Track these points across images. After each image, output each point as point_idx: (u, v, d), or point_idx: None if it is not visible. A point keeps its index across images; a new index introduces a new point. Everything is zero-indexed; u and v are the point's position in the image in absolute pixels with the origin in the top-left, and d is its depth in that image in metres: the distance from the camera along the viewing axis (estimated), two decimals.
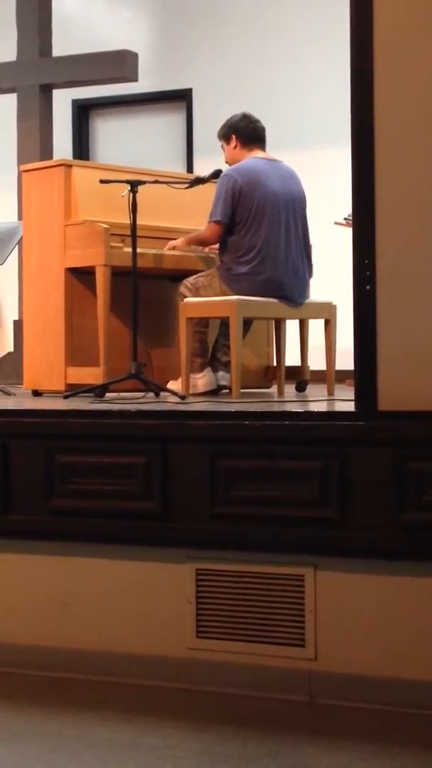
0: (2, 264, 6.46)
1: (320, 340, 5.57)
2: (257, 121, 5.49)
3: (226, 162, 5.53)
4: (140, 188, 5.13)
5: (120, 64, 8.25)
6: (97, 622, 3.79)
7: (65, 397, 5.07)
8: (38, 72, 8.46)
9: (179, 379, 5.35)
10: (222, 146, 5.55)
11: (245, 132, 5.46)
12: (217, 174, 5.39)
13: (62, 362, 5.48)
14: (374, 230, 3.53)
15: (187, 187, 5.50)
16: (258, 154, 5.44)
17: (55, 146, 8.58)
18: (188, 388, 5.21)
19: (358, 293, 3.57)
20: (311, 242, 5.52)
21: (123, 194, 5.12)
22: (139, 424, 3.82)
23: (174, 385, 5.39)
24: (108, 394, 5.08)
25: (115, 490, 3.75)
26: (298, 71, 8.64)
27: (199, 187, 5.52)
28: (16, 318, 8.16)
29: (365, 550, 3.47)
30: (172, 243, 5.55)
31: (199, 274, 5.45)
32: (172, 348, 5.74)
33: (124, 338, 5.31)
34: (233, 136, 5.47)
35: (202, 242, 5.49)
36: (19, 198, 7.33)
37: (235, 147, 5.47)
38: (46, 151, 8.39)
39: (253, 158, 5.40)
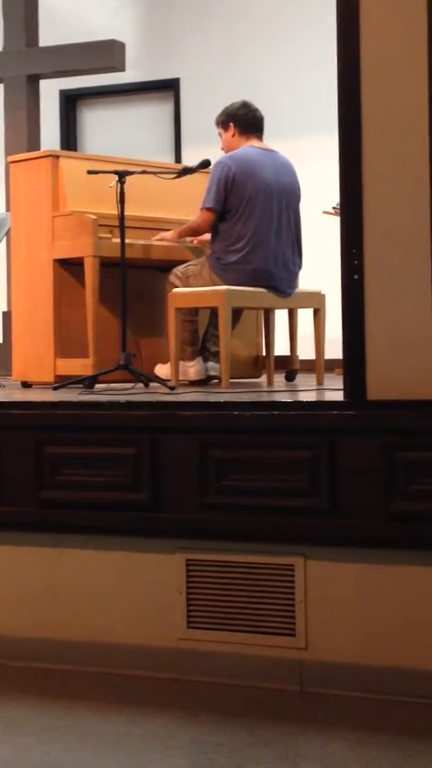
0: None
1: (309, 330, 5.57)
2: (256, 109, 5.47)
3: (222, 149, 5.51)
4: (128, 179, 5.12)
5: (107, 54, 8.23)
6: (88, 613, 3.79)
7: (54, 389, 5.06)
8: (25, 62, 8.43)
9: (168, 363, 5.34)
10: (219, 133, 5.53)
11: (244, 120, 5.44)
12: (205, 164, 5.38)
13: (51, 354, 5.48)
14: (362, 219, 3.52)
15: (175, 177, 5.48)
16: (255, 143, 5.43)
17: (42, 137, 8.56)
18: (177, 377, 5.21)
19: (346, 282, 3.57)
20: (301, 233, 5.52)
21: (111, 185, 5.11)
22: (129, 415, 3.81)
23: (162, 368, 5.38)
24: (97, 385, 5.08)
25: (104, 482, 3.75)
26: (285, 60, 8.62)
27: (188, 177, 5.51)
28: (5, 309, 8.15)
29: (355, 539, 3.48)
30: (161, 235, 5.53)
31: (189, 263, 5.45)
32: (161, 338, 5.74)
33: (114, 329, 5.31)
34: (231, 124, 5.45)
35: (195, 231, 5.47)
36: (7, 189, 7.29)
37: (233, 135, 5.45)
38: (34, 142, 8.37)
39: (248, 147, 5.38)
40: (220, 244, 5.31)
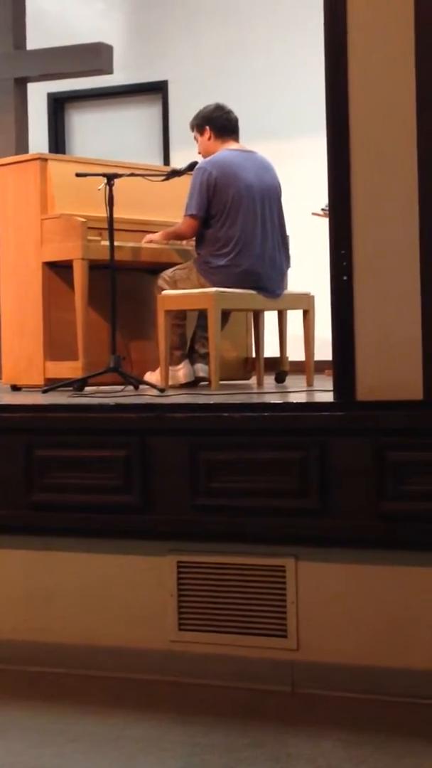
0: None
1: (299, 331, 5.57)
2: (230, 111, 5.47)
3: (200, 153, 5.52)
4: (117, 181, 5.11)
5: (95, 56, 8.23)
6: (79, 616, 3.79)
7: (44, 392, 5.06)
8: (13, 66, 8.42)
9: (157, 371, 5.35)
10: (195, 137, 5.53)
11: (219, 123, 5.44)
12: (193, 166, 5.38)
13: (41, 357, 5.47)
14: (351, 221, 3.53)
15: (163, 180, 5.48)
16: (232, 145, 5.43)
17: (30, 140, 8.55)
18: (167, 381, 5.21)
19: (335, 284, 3.57)
20: (288, 233, 5.52)
21: (99, 187, 5.10)
22: (119, 418, 3.81)
23: (151, 376, 5.38)
24: (87, 388, 5.07)
25: (95, 484, 3.74)
26: (273, 62, 8.63)
27: (176, 180, 5.51)
28: None
29: (345, 539, 3.48)
30: (149, 237, 5.53)
31: (177, 267, 5.45)
32: (150, 341, 5.73)
33: (103, 332, 5.31)
34: (207, 128, 5.45)
35: (179, 237, 5.48)
36: None
37: (209, 138, 5.45)
38: (22, 145, 8.36)
39: (227, 150, 5.38)
40: (207, 249, 5.31)
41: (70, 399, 4.42)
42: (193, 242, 5.53)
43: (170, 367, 5.33)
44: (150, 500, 3.69)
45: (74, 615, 3.80)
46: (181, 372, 5.43)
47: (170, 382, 5.25)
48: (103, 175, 5.11)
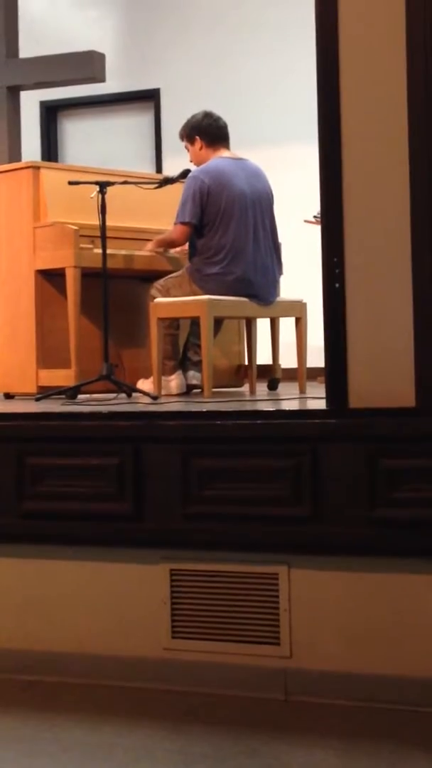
0: None
1: (291, 338, 5.58)
2: (219, 118, 5.47)
3: (191, 162, 5.52)
4: (109, 189, 5.12)
5: (87, 64, 8.23)
6: (72, 624, 3.78)
7: (37, 400, 5.06)
8: (5, 74, 8.42)
9: (149, 378, 5.35)
10: (186, 147, 5.53)
11: (209, 131, 5.44)
12: (185, 174, 5.38)
13: (33, 364, 5.47)
14: (343, 228, 3.54)
15: (155, 188, 5.49)
16: (224, 153, 5.43)
17: (23, 148, 8.55)
18: (160, 389, 5.20)
19: (328, 291, 3.58)
20: (280, 240, 5.53)
21: (92, 195, 5.11)
22: (111, 426, 3.81)
23: (144, 384, 5.38)
24: (80, 396, 5.07)
25: (87, 492, 3.74)
26: (265, 70, 8.64)
27: (168, 187, 5.52)
28: None
29: (338, 547, 3.48)
30: (146, 246, 5.56)
31: (169, 276, 5.45)
32: (143, 349, 5.74)
33: (96, 339, 5.31)
34: (197, 137, 5.45)
35: (170, 244, 5.49)
36: None
37: (201, 148, 5.45)
38: (15, 153, 8.36)
39: (219, 158, 5.39)
40: (199, 257, 5.32)
41: (62, 407, 4.42)
42: (186, 249, 5.54)
43: (163, 378, 5.33)
44: (143, 508, 3.68)
45: (67, 623, 3.79)
46: (173, 383, 5.43)
47: (162, 392, 5.26)
48: (96, 183, 5.12)
